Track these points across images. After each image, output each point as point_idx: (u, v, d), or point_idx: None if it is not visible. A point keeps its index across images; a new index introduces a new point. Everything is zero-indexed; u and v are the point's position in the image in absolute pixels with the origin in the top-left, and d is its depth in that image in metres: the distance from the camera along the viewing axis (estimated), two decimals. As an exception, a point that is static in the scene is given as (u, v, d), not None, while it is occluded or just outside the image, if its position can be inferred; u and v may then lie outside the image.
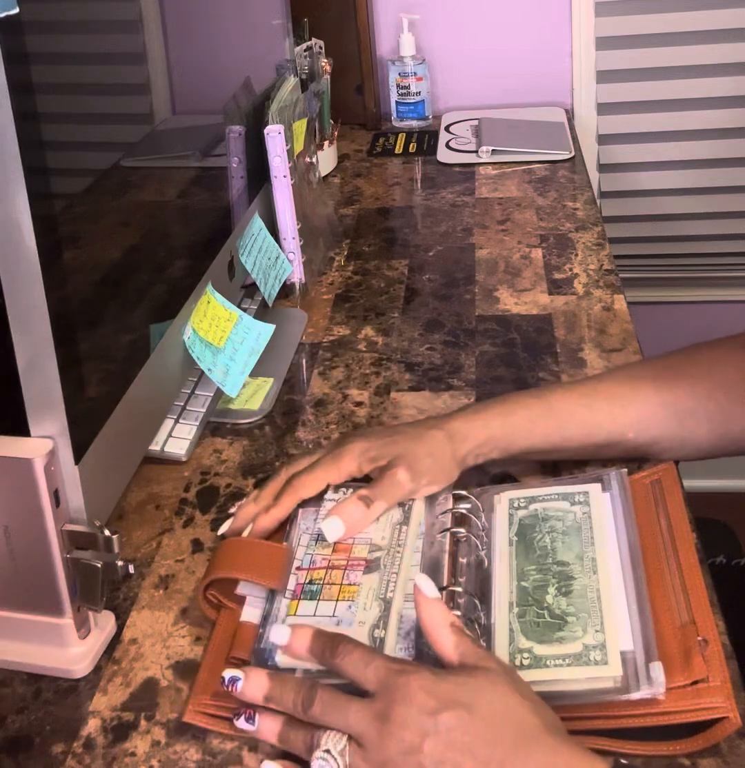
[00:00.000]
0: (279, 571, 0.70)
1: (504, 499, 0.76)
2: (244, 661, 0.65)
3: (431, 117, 1.74)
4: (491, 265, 1.22)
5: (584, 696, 0.60)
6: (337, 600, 0.67)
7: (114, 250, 0.78)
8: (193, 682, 0.66)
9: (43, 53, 0.63)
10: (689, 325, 1.88)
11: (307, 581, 0.69)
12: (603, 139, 1.78)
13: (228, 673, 0.61)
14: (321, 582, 0.69)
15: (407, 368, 1.02)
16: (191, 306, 0.90)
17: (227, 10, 1.06)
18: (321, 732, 0.57)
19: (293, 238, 1.16)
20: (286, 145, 1.12)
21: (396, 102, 1.73)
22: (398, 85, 1.71)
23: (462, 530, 0.72)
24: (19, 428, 0.63)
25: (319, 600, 0.68)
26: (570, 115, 1.73)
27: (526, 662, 0.62)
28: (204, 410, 0.93)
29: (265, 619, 0.67)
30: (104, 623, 0.71)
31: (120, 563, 0.65)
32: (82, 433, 0.65)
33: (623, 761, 0.55)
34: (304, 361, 1.05)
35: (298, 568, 0.71)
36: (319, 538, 0.73)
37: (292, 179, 1.14)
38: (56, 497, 0.63)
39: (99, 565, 0.65)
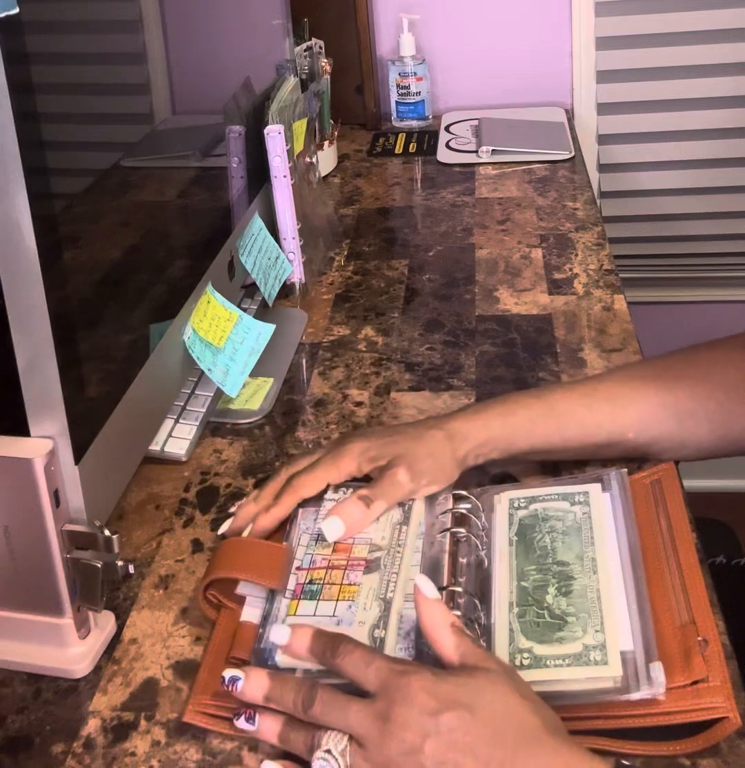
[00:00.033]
0: (279, 571, 0.70)
1: (504, 499, 0.76)
2: (245, 661, 0.65)
3: (431, 117, 1.74)
4: (491, 265, 1.22)
5: (584, 696, 0.60)
6: (337, 600, 0.67)
7: (114, 250, 0.78)
8: (193, 682, 0.66)
9: (43, 53, 0.63)
10: (689, 325, 1.88)
11: (307, 581, 0.69)
12: (603, 139, 1.78)
13: (228, 673, 0.61)
14: (321, 582, 0.69)
15: (407, 368, 1.02)
16: (191, 306, 0.90)
17: (227, 10, 1.06)
18: (322, 732, 0.57)
19: (293, 238, 1.16)
20: (286, 145, 1.12)
21: (396, 102, 1.73)
22: (398, 85, 1.71)
23: (462, 530, 0.72)
24: (19, 428, 0.63)
25: (319, 600, 0.68)
26: (570, 115, 1.73)
27: (526, 662, 0.62)
28: (204, 410, 0.93)
29: (265, 619, 0.67)
30: (104, 623, 0.71)
31: (120, 563, 0.65)
32: (82, 433, 0.65)
33: (624, 761, 0.55)
34: (304, 361, 1.05)
35: (298, 568, 0.71)
36: (320, 538, 0.73)
37: (292, 179, 1.14)
38: (56, 497, 0.63)
39: (99, 565, 0.65)
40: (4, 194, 0.56)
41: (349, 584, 0.69)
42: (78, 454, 0.64)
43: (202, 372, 0.92)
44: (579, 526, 0.71)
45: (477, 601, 0.67)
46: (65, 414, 0.62)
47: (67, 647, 0.68)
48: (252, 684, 0.61)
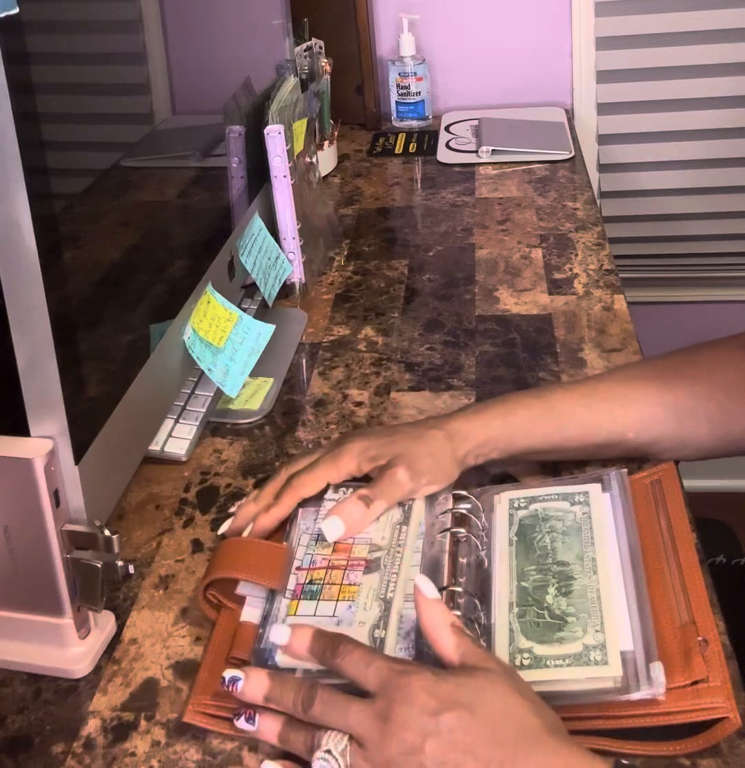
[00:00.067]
0: (279, 571, 0.70)
1: (504, 499, 0.76)
2: (245, 661, 0.65)
3: (431, 117, 1.74)
4: (491, 265, 1.22)
5: (584, 696, 0.60)
6: (337, 600, 0.67)
7: (114, 250, 0.78)
8: (193, 682, 0.66)
9: (43, 53, 0.63)
10: (689, 325, 1.88)
11: (307, 581, 0.69)
12: (603, 139, 1.78)
13: (228, 673, 0.61)
14: (321, 582, 0.69)
15: (407, 368, 1.02)
16: (191, 306, 0.90)
17: (227, 10, 1.06)
18: (322, 732, 0.57)
19: (293, 238, 1.16)
20: (286, 145, 1.12)
21: (396, 102, 1.73)
22: (398, 85, 1.71)
23: (462, 530, 0.72)
24: (19, 428, 0.63)
25: (319, 600, 0.68)
26: (570, 115, 1.73)
27: (526, 662, 0.62)
28: (204, 410, 0.93)
29: (265, 619, 0.67)
30: (104, 623, 0.71)
31: (120, 563, 0.65)
32: (82, 433, 0.65)
33: (624, 761, 0.55)
34: (304, 361, 1.05)
35: (298, 568, 0.71)
36: (320, 538, 0.73)
37: (292, 179, 1.14)
38: (56, 497, 0.63)
39: (99, 565, 0.65)
40: (4, 194, 0.56)
41: (350, 584, 0.69)
42: (78, 454, 0.64)
43: (202, 372, 0.92)
44: (579, 526, 0.71)
45: (477, 601, 0.67)
46: (65, 414, 0.62)
47: (67, 647, 0.68)
48: (252, 684, 0.61)
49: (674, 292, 1.91)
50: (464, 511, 0.74)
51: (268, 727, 0.60)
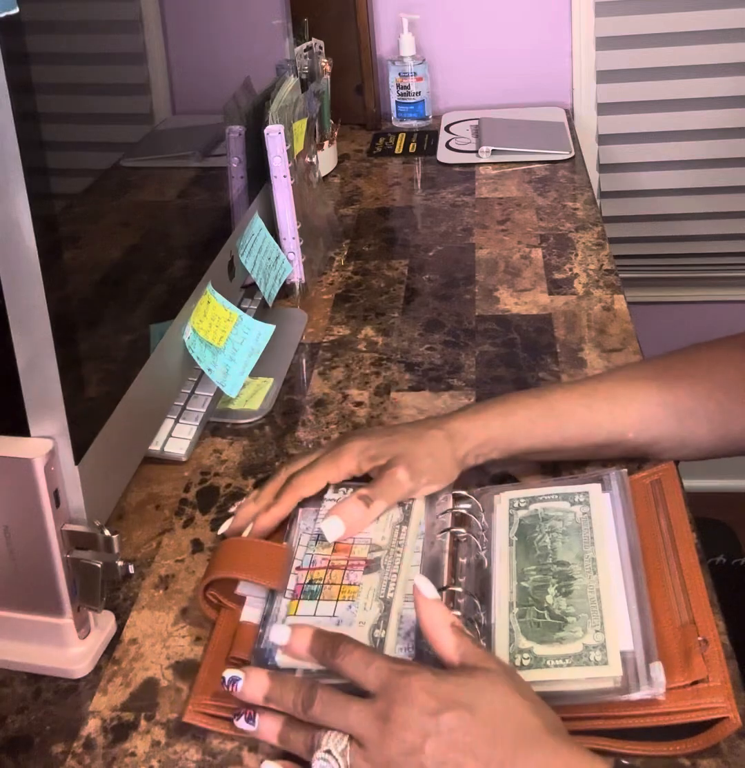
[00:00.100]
0: (279, 571, 0.70)
1: (504, 499, 0.76)
2: (245, 661, 0.65)
3: (431, 117, 1.74)
4: (491, 265, 1.22)
5: (584, 696, 0.60)
6: (337, 600, 0.67)
7: (114, 250, 0.78)
8: (193, 682, 0.66)
9: (43, 53, 0.63)
10: (689, 325, 1.88)
11: (307, 581, 0.69)
12: (603, 139, 1.78)
13: (228, 673, 0.61)
14: (321, 582, 0.69)
15: (407, 368, 1.02)
16: (191, 306, 0.90)
17: (227, 10, 1.06)
18: (322, 732, 0.57)
19: (293, 238, 1.16)
20: (286, 145, 1.12)
21: (396, 102, 1.73)
22: (398, 85, 1.71)
23: (462, 530, 0.72)
24: (19, 428, 0.63)
25: (319, 600, 0.68)
26: (570, 115, 1.73)
27: (526, 662, 0.62)
28: (204, 410, 0.93)
29: (265, 619, 0.67)
30: (104, 623, 0.71)
31: (120, 563, 0.65)
32: (82, 433, 0.65)
33: (624, 761, 0.55)
34: (304, 361, 1.05)
35: (298, 568, 0.71)
36: (320, 537, 0.73)
37: (292, 179, 1.14)
38: (56, 497, 0.63)
39: (99, 565, 0.65)
40: (4, 194, 0.56)
41: (350, 584, 0.69)
42: (78, 454, 0.64)
43: (202, 372, 0.92)
44: (579, 526, 0.71)
45: (477, 601, 0.67)
46: (65, 414, 0.62)
47: (67, 647, 0.68)
48: (252, 684, 0.61)
49: (674, 292, 1.91)
50: (464, 511, 0.74)
51: (268, 727, 0.60)
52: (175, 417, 0.92)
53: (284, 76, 1.23)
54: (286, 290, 1.16)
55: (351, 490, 0.75)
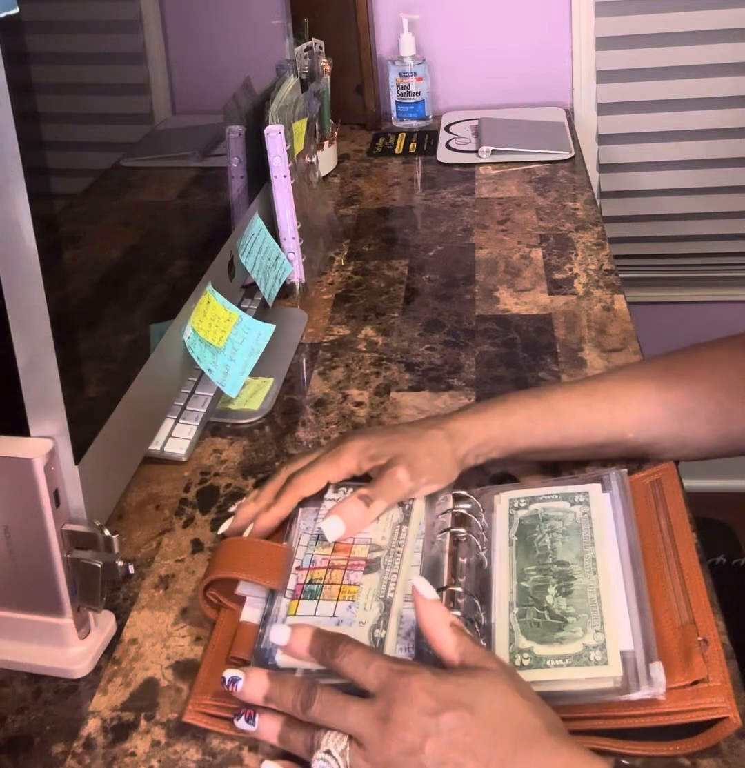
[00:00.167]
0: (279, 570, 0.70)
1: (504, 499, 0.76)
2: (245, 661, 0.65)
3: (431, 117, 1.74)
4: (491, 265, 1.22)
5: (584, 696, 0.60)
6: (337, 600, 0.67)
7: (114, 250, 0.78)
8: (193, 682, 0.66)
9: (43, 53, 0.63)
10: (689, 325, 1.88)
11: (307, 581, 0.69)
12: (603, 139, 1.78)
13: (228, 673, 0.61)
14: (321, 582, 0.69)
15: (407, 368, 1.02)
16: (191, 306, 0.90)
17: (227, 10, 1.06)
18: (321, 732, 0.57)
19: (293, 238, 1.16)
20: (286, 145, 1.12)
21: (396, 102, 1.73)
22: (398, 85, 1.71)
23: (462, 530, 0.72)
24: (19, 428, 0.63)
25: (319, 600, 0.68)
26: (570, 115, 1.73)
27: (526, 662, 0.62)
28: (204, 410, 0.93)
29: (265, 619, 0.67)
30: (104, 623, 0.71)
31: (120, 563, 0.65)
32: (82, 433, 0.65)
33: (624, 761, 0.55)
34: (304, 361, 1.05)
35: (298, 568, 0.71)
36: (320, 537, 0.73)
37: (292, 179, 1.14)
38: (56, 497, 0.63)
39: (99, 565, 0.65)
40: (4, 194, 0.56)
41: (350, 584, 0.69)
42: (78, 454, 0.64)
43: (202, 372, 0.92)
44: (579, 526, 0.71)
45: (477, 601, 0.67)
46: (65, 414, 0.62)
47: (67, 647, 0.68)
48: (252, 684, 0.61)
49: (674, 292, 1.91)
50: (464, 511, 0.74)
51: (268, 727, 0.60)
52: (175, 417, 0.92)
53: (284, 76, 1.23)
54: (286, 290, 1.16)
55: (351, 489, 0.75)
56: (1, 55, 0.53)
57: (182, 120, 0.94)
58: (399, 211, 1.42)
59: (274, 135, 1.11)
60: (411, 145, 1.66)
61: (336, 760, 0.56)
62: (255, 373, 0.96)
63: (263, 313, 1.11)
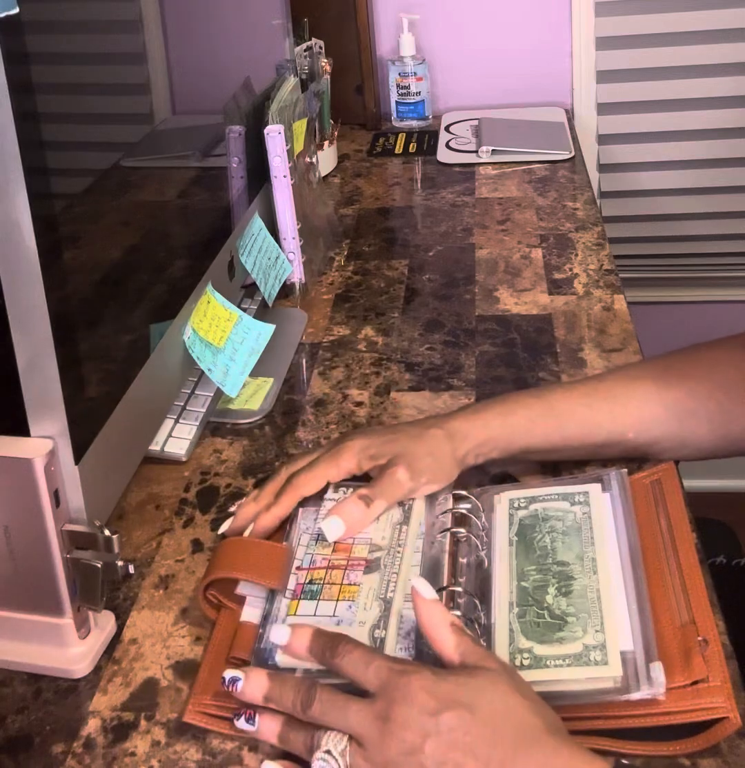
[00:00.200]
0: (279, 570, 0.70)
1: (504, 499, 0.76)
2: (245, 661, 0.65)
3: (431, 117, 1.74)
4: (491, 265, 1.22)
5: (584, 696, 0.60)
6: (337, 600, 0.67)
7: (114, 250, 0.78)
8: (193, 682, 0.66)
9: (43, 53, 0.63)
10: (689, 325, 1.88)
11: (307, 581, 0.69)
12: (603, 139, 1.78)
13: (228, 673, 0.61)
14: (321, 582, 0.69)
15: (407, 368, 1.02)
16: (191, 306, 0.90)
17: (227, 10, 1.06)
18: (321, 732, 0.57)
19: (293, 238, 1.16)
20: (286, 145, 1.12)
21: (396, 102, 1.73)
22: (398, 85, 1.71)
23: (462, 530, 0.72)
24: (19, 428, 0.63)
25: (319, 600, 0.68)
26: (570, 115, 1.73)
27: (526, 662, 0.62)
28: (204, 410, 0.93)
29: (265, 619, 0.67)
30: (104, 623, 0.71)
31: (120, 563, 0.65)
32: (82, 433, 0.65)
33: (624, 761, 0.55)
34: (304, 361, 1.05)
35: (298, 568, 0.71)
36: (320, 537, 0.73)
37: (292, 179, 1.14)
38: (56, 497, 0.63)
39: (99, 565, 0.65)
40: (4, 194, 0.56)
41: (350, 584, 0.69)
42: (78, 454, 0.64)
43: (202, 372, 0.92)
44: (579, 526, 0.71)
45: (477, 601, 0.67)
46: (65, 414, 0.62)
47: (67, 647, 0.68)
48: (252, 684, 0.61)
49: (674, 292, 1.91)
50: (464, 511, 0.74)
51: (268, 727, 0.60)
52: (175, 417, 0.92)
53: (284, 76, 1.23)
54: (286, 290, 1.16)
55: (351, 489, 0.75)
56: (1, 55, 0.53)
57: (182, 120, 0.94)
58: (399, 211, 1.42)
59: (274, 135, 1.11)
60: (411, 145, 1.66)
61: (336, 760, 0.56)
62: (255, 373, 0.96)
63: (263, 313, 1.11)
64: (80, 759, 0.62)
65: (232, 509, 0.80)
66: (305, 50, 1.43)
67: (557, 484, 0.77)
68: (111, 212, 0.78)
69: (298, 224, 1.16)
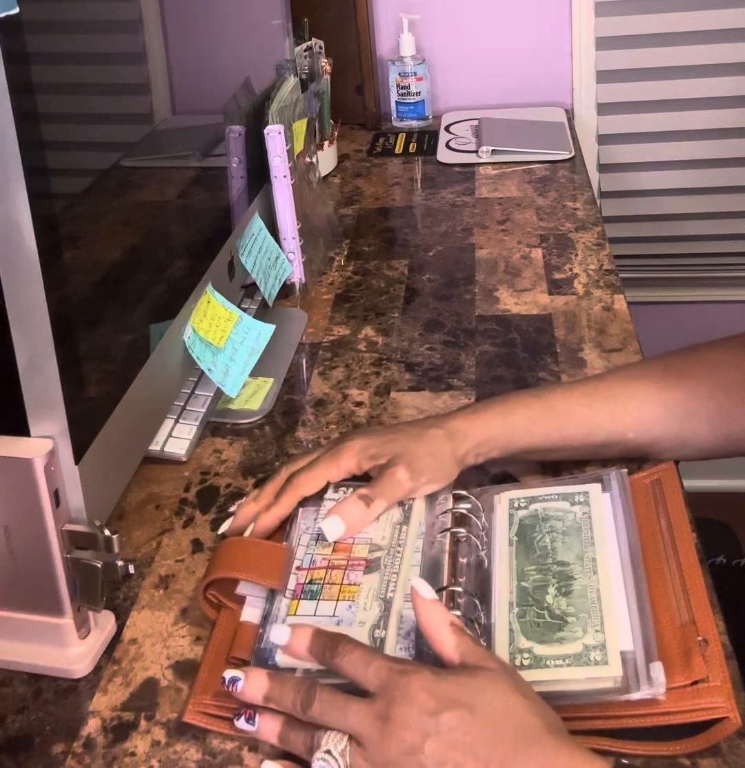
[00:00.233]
0: (279, 570, 0.70)
1: (504, 499, 0.76)
2: (245, 661, 0.65)
3: (431, 117, 1.74)
4: (491, 265, 1.22)
5: (584, 696, 0.60)
6: (337, 600, 0.67)
7: (114, 250, 0.78)
8: (193, 682, 0.66)
9: (43, 53, 0.63)
10: (689, 325, 1.88)
11: (307, 581, 0.69)
12: (603, 139, 1.78)
13: (228, 673, 0.61)
14: (321, 582, 0.69)
15: (407, 368, 1.02)
16: (191, 306, 0.90)
17: (227, 10, 1.06)
18: (321, 732, 0.57)
19: (293, 238, 1.16)
20: (286, 145, 1.12)
21: (396, 102, 1.73)
22: (398, 85, 1.71)
23: (462, 530, 0.72)
24: (19, 428, 0.63)
25: (319, 600, 0.68)
26: (570, 115, 1.73)
27: (526, 662, 0.62)
28: (204, 410, 0.93)
29: (265, 619, 0.67)
30: (104, 623, 0.71)
31: (120, 563, 0.65)
32: (82, 433, 0.65)
33: (624, 761, 0.55)
34: (304, 361, 1.05)
35: (298, 568, 0.71)
36: (320, 537, 0.73)
37: (292, 179, 1.14)
38: (56, 497, 0.63)
39: (99, 565, 0.65)
40: (4, 194, 0.56)
41: (350, 584, 0.69)
42: (78, 454, 0.64)
43: (202, 372, 0.92)
44: (579, 526, 0.71)
45: (477, 601, 0.67)
46: (65, 414, 0.62)
47: (67, 647, 0.68)
48: (252, 684, 0.61)
49: (674, 292, 1.91)
50: (464, 511, 0.74)
51: (268, 727, 0.60)
52: (175, 417, 0.92)
53: (284, 76, 1.23)
54: (286, 290, 1.16)
55: (351, 489, 0.75)
56: (1, 55, 0.53)
57: (182, 120, 0.94)
58: (399, 211, 1.42)
59: (274, 135, 1.11)
60: (411, 145, 1.66)
61: (336, 760, 0.56)
62: (255, 373, 0.96)
63: (263, 313, 1.11)
64: (80, 759, 0.62)
65: (232, 509, 0.80)
66: (305, 50, 1.43)
67: (557, 484, 0.77)
68: (111, 212, 0.78)
69: (298, 224, 1.16)
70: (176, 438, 0.90)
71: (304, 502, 0.76)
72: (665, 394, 0.78)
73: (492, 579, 0.69)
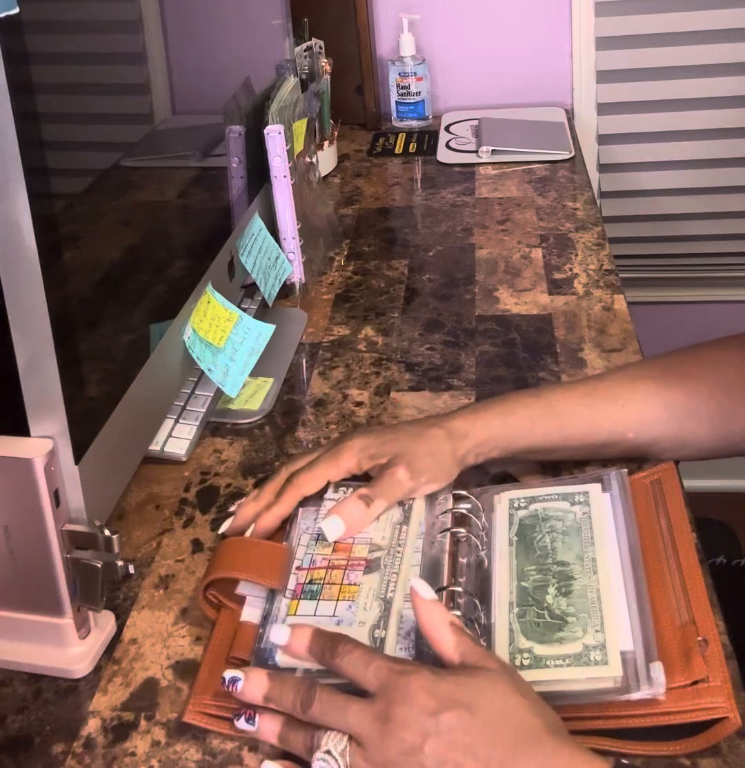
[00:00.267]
0: (279, 570, 0.70)
1: (504, 499, 0.76)
2: (245, 661, 0.65)
3: (431, 117, 1.74)
4: (491, 265, 1.22)
5: (585, 696, 0.60)
6: (337, 600, 0.67)
7: (114, 250, 0.78)
8: (193, 682, 0.66)
9: (43, 53, 0.63)
10: (689, 325, 1.88)
11: (307, 581, 0.69)
12: (603, 139, 1.78)
13: (228, 673, 0.61)
14: (321, 582, 0.69)
15: (407, 368, 1.02)
16: (191, 306, 0.90)
17: (227, 10, 1.06)
18: (321, 732, 0.57)
19: (293, 238, 1.16)
20: (286, 145, 1.12)
21: (396, 102, 1.73)
22: (398, 85, 1.71)
23: (462, 530, 0.72)
24: (19, 428, 0.63)
25: (319, 600, 0.68)
26: (570, 115, 1.73)
27: (526, 662, 0.62)
28: (204, 410, 0.93)
29: (265, 619, 0.67)
30: (104, 623, 0.71)
31: (120, 563, 0.65)
32: (82, 433, 0.65)
33: (624, 761, 0.55)
34: (304, 361, 1.05)
35: (298, 568, 0.71)
36: (320, 537, 0.73)
37: (292, 179, 1.14)
38: (56, 497, 0.63)
39: (99, 565, 0.65)
40: (4, 194, 0.56)
41: (350, 584, 0.69)
42: (78, 454, 0.64)
43: (202, 372, 0.92)
44: (579, 526, 0.71)
45: (477, 601, 0.67)
46: (65, 414, 0.62)
47: (67, 647, 0.68)
48: (252, 684, 0.61)
49: (674, 292, 1.91)
50: (464, 511, 0.74)
51: (268, 728, 0.60)
52: (175, 417, 0.92)
53: (284, 76, 1.23)
54: (286, 290, 1.16)
55: (351, 489, 0.75)
56: (1, 55, 0.53)
57: (182, 120, 0.94)
58: (399, 211, 1.42)
59: (274, 135, 1.11)
60: (411, 145, 1.66)
61: (336, 760, 0.56)
62: (255, 373, 0.96)
63: (263, 313, 1.11)
64: (80, 759, 0.62)
65: (232, 509, 0.80)
66: (305, 50, 1.43)
67: (557, 484, 0.77)
68: (111, 212, 0.78)
69: (298, 224, 1.16)
70: (176, 438, 0.90)
71: (304, 502, 0.76)
72: (665, 393, 0.78)
73: (492, 579, 0.69)
